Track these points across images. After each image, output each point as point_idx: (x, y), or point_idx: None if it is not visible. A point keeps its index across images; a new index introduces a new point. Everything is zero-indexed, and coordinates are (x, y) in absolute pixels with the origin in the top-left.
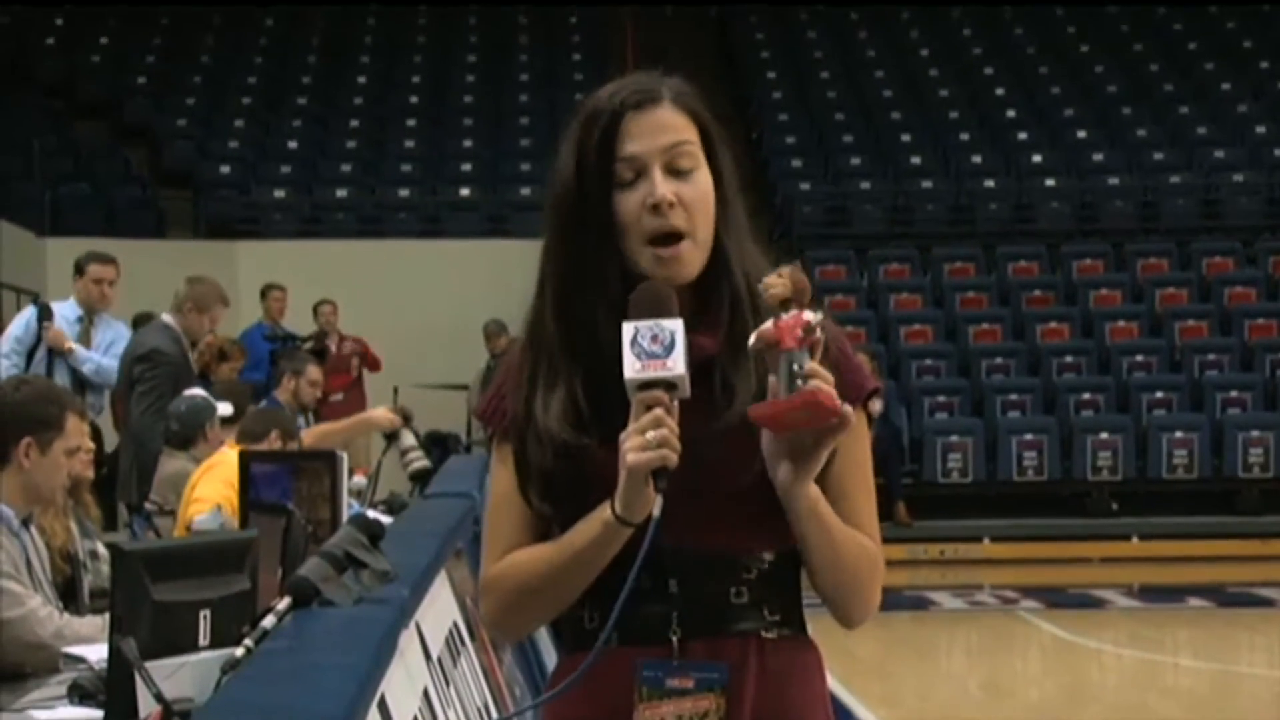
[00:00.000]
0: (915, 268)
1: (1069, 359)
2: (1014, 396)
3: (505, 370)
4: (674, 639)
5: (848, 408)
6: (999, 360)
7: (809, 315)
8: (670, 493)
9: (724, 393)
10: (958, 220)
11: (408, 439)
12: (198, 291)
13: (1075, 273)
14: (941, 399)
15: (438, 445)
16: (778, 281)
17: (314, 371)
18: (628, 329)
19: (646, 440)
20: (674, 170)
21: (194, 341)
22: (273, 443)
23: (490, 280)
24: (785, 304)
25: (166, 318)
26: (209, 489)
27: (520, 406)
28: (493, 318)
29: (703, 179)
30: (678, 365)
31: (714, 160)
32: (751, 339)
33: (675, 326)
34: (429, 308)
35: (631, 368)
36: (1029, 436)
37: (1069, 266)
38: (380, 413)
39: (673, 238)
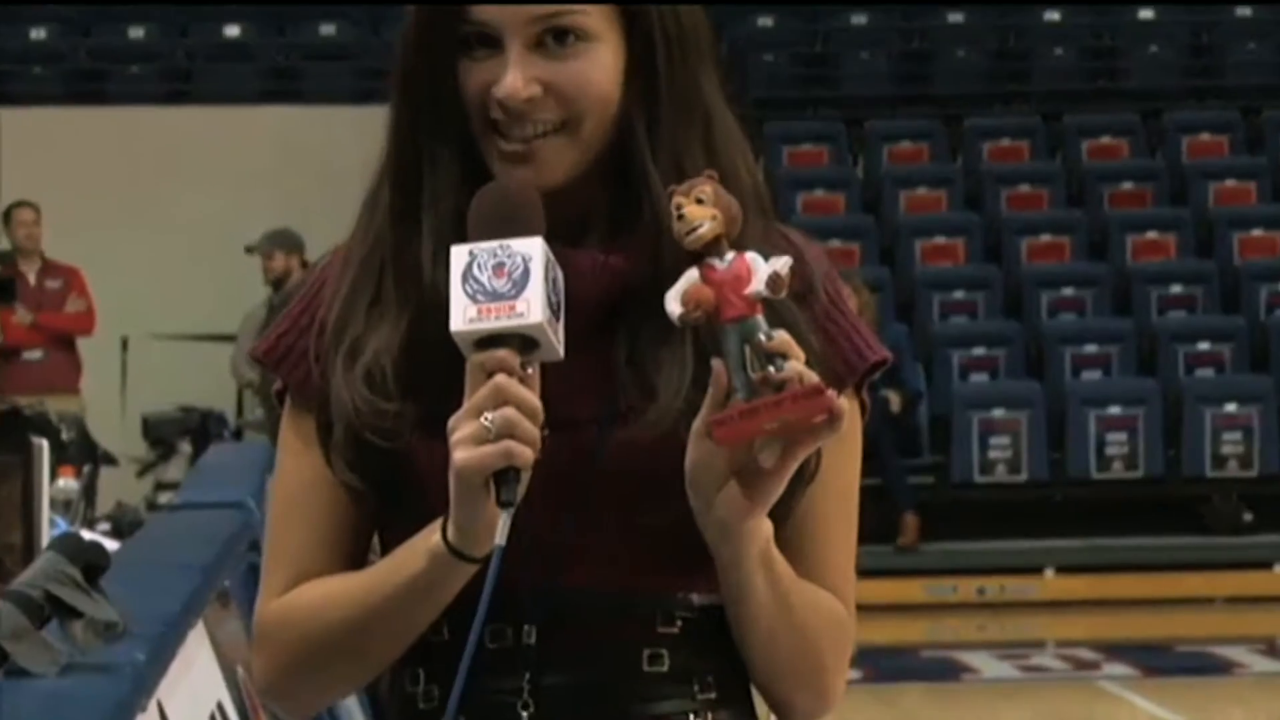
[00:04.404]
0: (937, 148)
1: (1176, 289)
2: (1091, 349)
3: (314, 284)
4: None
5: (841, 400)
6: (1068, 292)
7: (760, 263)
8: (547, 516)
9: (631, 356)
10: (1002, 75)
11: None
12: None
13: (1185, 155)
14: (979, 352)
15: (190, 430)
16: (697, 214)
17: None
18: (458, 255)
19: (482, 428)
20: (550, 43)
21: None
22: None
23: (270, 166)
24: (714, 245)
25: None
26: None
27: (331, 336)
28: (275, 227)
29: (598, 54)
30: (532, 309)
31: (637, 11)
32: (672, 305)
33: (530, 249)
34: (174, 213)
35: (462, 315)
36: (1115, 411)
37: (1176, 145)
38: None
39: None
